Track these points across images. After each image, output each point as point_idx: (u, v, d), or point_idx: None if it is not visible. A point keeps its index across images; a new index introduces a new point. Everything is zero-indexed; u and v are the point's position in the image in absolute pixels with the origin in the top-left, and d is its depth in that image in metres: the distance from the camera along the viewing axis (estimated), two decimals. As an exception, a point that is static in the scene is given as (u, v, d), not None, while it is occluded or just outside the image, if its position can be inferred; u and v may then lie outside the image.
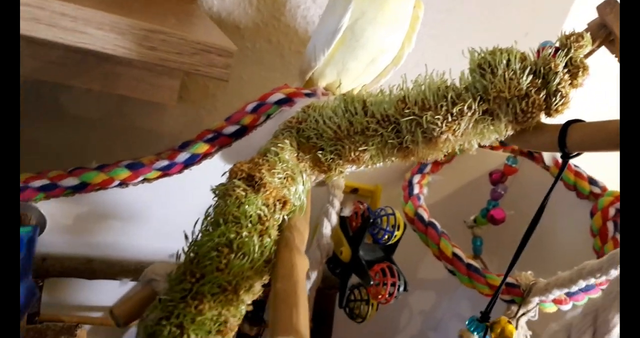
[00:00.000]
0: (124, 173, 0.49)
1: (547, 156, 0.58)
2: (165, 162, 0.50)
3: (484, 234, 0.65)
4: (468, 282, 0.52)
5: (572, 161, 0.56)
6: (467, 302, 0.76)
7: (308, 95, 0.53)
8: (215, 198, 0.36)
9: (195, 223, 0.34)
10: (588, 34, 0.38)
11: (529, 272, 0.53)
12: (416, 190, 0.59)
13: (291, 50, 0.77)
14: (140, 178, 0.50)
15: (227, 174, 0.37)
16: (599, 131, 0.33)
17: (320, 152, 0.40)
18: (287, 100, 0.52)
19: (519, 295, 0.50)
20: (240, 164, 0.36)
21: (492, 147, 0.66)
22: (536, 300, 0.49)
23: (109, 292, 0.54)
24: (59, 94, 0.68)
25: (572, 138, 0.34)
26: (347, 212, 0.56)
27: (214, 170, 0.53)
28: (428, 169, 0.61)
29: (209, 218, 0.34)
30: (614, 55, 0.46)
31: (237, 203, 0.34)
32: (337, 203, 0.53)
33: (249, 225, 0.33)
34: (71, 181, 0.48)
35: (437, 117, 0.36)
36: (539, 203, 0.66)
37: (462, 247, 0.58)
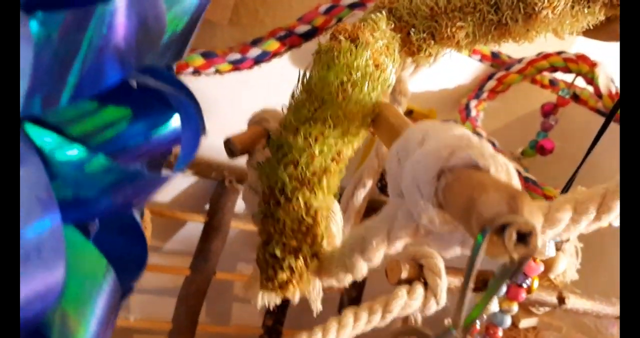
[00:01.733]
0: (199, 60, 0.49)
1: (603, 86, 0.59)
2: (237, 56, 0.51)
3: (530, 166, 0.65)
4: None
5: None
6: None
7: None
8: (316, 58, 0.37)
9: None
10: None
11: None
12: (473, 113, 0.59)
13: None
14: (213, 69, 0.50)
15: (328, 36, 0.37)
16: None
17: (412, 30, 0.41)
18: (360, 5, 0.53)
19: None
20: (342, 24, 0.36)
21: (542, 85, 0.67)
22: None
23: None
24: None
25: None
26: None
27: (282, 70, 0.54)
28: (485, 95, 0.61)
29: (314, 69, 0.35)
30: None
31: (344, 55, 0.34)
32: (401, 111, 0.53)
33: (357, 71, 0.33)
34: (147, 62, 0.48)
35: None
36: (588, 138, 0.67)
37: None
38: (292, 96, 0.35)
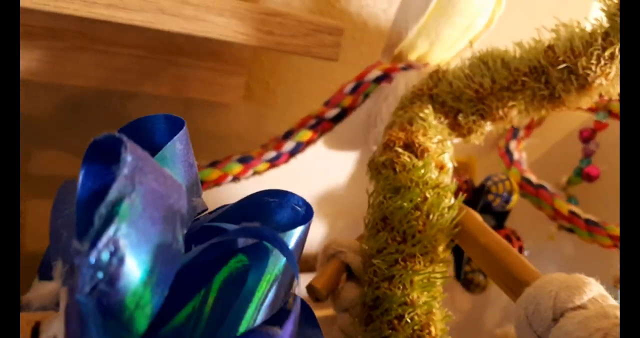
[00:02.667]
0: (237, 168, 0.48)
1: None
2: (272, 153, 0.49)
3: (578, 193, 0.64)
4: (588, 236, 0.52)
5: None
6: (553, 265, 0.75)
7: (404, 68, 0.52)
8: (373, 172, 0.35)
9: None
10: None
11: None
12: (516, 156, 0.58)
13: (346, 37, 0.76)
14: (251, 172, 0.49)
15: (382, 146, 0.36)
16: None
17: (460, 114, 0.39)
18: (385, 77, 0.52)
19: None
20: (395, 132, 0.35)
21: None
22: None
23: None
24: (127, 102, 0.67)
25: None
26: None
27: (317, 156, 0.52)
28: (521, 133, 0.60)
29: (379, 189, 0.33)
30: None
31: (407, 169, 0.33)
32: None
33: (428, 187, 0.32)
34: (187, 181, 0.46)
35: (591, 62, 0.35)
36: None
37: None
38: (366, 225, 0.34)
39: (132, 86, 0.65)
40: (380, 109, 0.51)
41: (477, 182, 0.58)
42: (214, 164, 0.47)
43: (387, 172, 0.33)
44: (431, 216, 0.30)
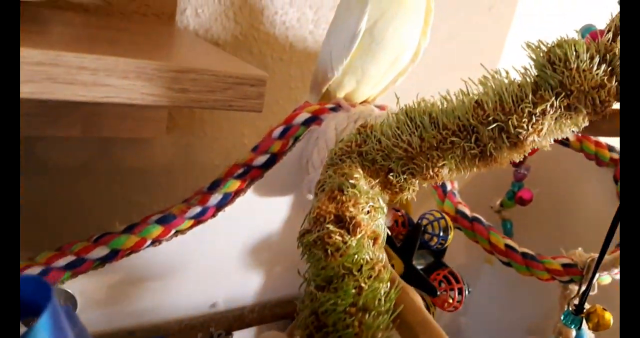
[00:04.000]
0: (156, 230, 0.44)
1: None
2: (197, 209, 0.46)
3: (512, 216, 0.65)
4: (526, 270, 0.52)
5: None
6: (497, 282, 0.76)
7: (334, 109, 0.50)
8: (305, 249, 0.33)
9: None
10: None
11: (580, 249, 0.53)
12: (449, 187, 0.57)
13: (274, 58, 0.73)
14: (173, 232, 0.45)
15: (309, 219, 0.33)
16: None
17: (391, 173, 0.37)
18: (314, 119, 0.49)
19: (578, 274, 0.51)
20: (323, 204, 0.32)
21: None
22: (596, 275, 0.49)
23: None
24: (36, 147, 0.60)
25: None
26: (387, 223, 0.53)
27: (249, 205, 0.49)
28: (454, 163, 0.59)
29: (311, 275, 0.31)
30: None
31: (340, 252, 0.30)
32: (385, 219, 0.50)
33: (362, 274, 0.30)
34: (99, 251, 0.42)
35: (522, 120, 0.34)
36: (561, 179, 0.67)
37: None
38: (297, 317, 0.31)
39: (37, 130, 0.58)
40: (311, 154, 0.48)
41: (413, 212, 0.58)
42: (129, 229, 0.43)
43: (318, 253, 0.31)
44: (367, 317, 0.28)
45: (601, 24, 0.39)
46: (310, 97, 0.55)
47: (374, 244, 0.33)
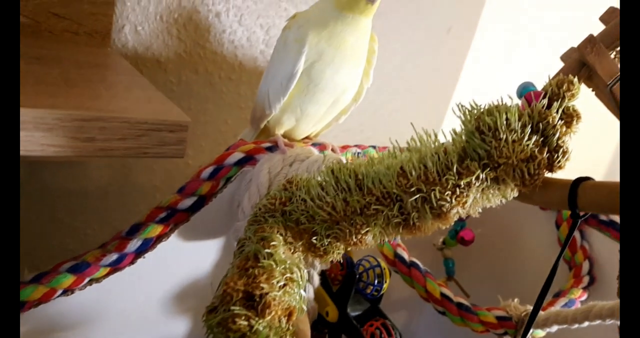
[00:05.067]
0: (68, 280, 0.41)
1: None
2: (114, 256, 0.42)
3: (454, 255, 0.64)
4: (460, 321, 0.51)
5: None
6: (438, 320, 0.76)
7: (269, 149, 0.48)
8: (209, 330, 0.30)
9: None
10: (576, 80, 0.36)
11: (516, 300, 0.53)
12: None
13: (221, 77, 0.70)
14: (87, 281, 0.42)
15: (216, 295, 0.31)
16: (611, 195, 0.31)
17: (315, 237, 0.35)
18: (248, 159, 0.47)
19: (513, 328, 0.50)
20: (232, 281, 0.30)
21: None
22: (530, 331, 0.48)
23: None
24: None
25: (583, 199, 0.33)
26: (324, 266, 0.52)
27: (172, 251, 0.46)
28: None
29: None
30: (591, 89, 0.45)
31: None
32: (317, 264, 0.48)
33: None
34: (1, 302, 0.38)
35: (446, 192, 0.32)
36: (504, 220, 0.66)
37: (434, 270, 0.56)
38: None
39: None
40: (242, 199, 0.46)
41: (353, 254, 0.56)
42: (37, 279, 0.40)
43: (221, 337, 0.29)
44: None
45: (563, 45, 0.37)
46: (250, 130, 0.52)
47: (287, 320, 0.31)
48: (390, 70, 0.86)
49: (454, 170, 0.33)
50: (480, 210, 0.36)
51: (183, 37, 0.65)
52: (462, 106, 0.35)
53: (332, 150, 0.51)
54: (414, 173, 0.33)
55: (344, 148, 0.54)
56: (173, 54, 0.65)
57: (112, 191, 0.68)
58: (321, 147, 0.51)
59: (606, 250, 0.57)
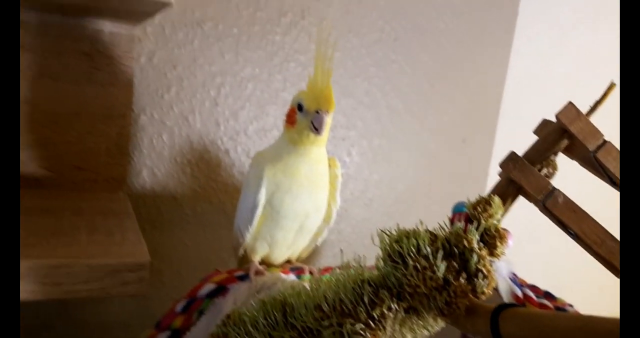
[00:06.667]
0: None
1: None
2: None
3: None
4: None
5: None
6: None
7: (241, 278, 0.50)
8: None
9: None
10: (497, 198, 0.36)
11: None
12: None
13: (234, 205, 0.76)
14: None
15: None
16: (532, 325, 0.30)
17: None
18: (220, 290, 0.49)
19: None
20: None
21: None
22: None
23: None
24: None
25: (505, 329, 0.31)
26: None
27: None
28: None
29: None
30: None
31: None
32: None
33: None
34: None
35: (358, 325, 0.32)
36: None
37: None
38: None
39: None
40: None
41: None
42: None
43: None
44: None
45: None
46: (233, 255, 0.56)
47: None
48: (408, 178, 0.88)
49: (366, 299, 0.33)
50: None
51: (196, 174, 0.73)
52: (381, 232, 0.36)
53: (311, 272, 0.53)
54: (330, 304, 0.34)
55: (326, 270, 0.55)
56: (188, 189, 0.73)
57: (134, 323, 0.72)
58: (299, 271, 0.53)
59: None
